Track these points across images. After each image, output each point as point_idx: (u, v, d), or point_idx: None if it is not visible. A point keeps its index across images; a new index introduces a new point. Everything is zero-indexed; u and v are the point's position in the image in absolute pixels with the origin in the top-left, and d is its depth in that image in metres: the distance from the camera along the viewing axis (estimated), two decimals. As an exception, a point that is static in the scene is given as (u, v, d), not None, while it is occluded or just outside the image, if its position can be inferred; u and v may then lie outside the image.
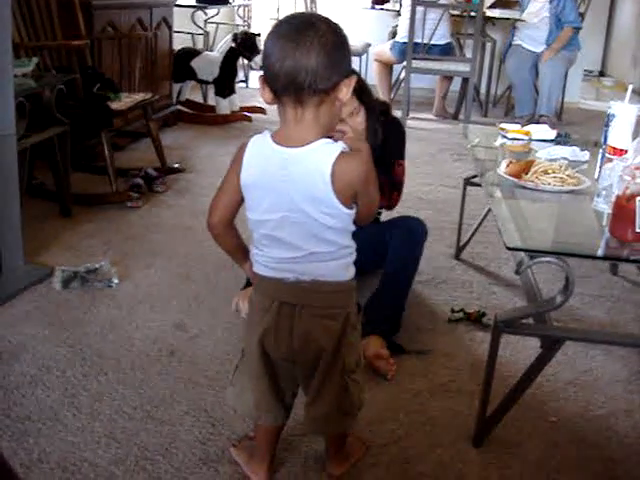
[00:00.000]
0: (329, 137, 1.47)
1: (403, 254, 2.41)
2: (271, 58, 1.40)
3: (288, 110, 1.43)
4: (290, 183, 1.44)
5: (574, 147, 2.54)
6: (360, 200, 1.49)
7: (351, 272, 1.57)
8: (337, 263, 1.53)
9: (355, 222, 1.51)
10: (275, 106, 1.47)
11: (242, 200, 1.54)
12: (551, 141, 2.76)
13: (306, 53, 1.37)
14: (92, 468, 1.73)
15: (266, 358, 1.59)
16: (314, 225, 1.46)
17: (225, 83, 5.41)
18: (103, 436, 1.85)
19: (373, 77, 6.02)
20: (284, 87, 1.40)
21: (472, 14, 5.61)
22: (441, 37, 5.70)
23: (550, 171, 2.22)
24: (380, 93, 6.06)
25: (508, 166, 2.28)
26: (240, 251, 1.65)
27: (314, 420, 1.65)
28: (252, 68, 6.20)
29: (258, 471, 1.72)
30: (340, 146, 1.44)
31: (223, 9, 6.52)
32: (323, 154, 1.43)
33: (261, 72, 1.45)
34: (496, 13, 6.10)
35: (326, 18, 1.43)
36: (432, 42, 5.61)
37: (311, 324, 1.53)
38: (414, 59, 5.60)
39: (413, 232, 2.47)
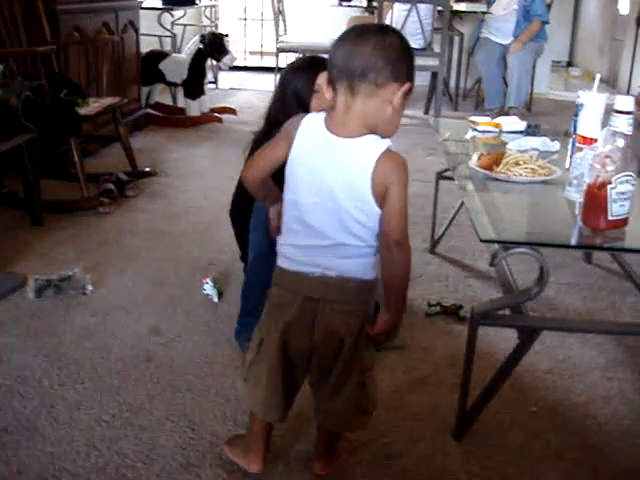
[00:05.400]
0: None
1: None
2: (334, 50, 1.48)
3: (340, 97, 1.47)
4: (332, 170, 1.47)
5: (544, 137, 2.56)
6: (386, 203, 1.46)
7: (375, 272, 1.56)
8: (362, 261, 1.53)
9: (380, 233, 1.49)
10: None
11: (275, 169, 1.57)
12: (521, 132, 2.78)
13: (363, 44, 1.43)
14: (72, 478, 1.71)
15: (285, 354, 1.58)
16: (344, 217, 1.47)
17: (194, 85, 5.39)
18: (82, 445, 1.83)
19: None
20: (339, 71, 1.45)
21: (439, 9, 5.63)
22: (418, 40, 5.68)
23: (521, 162, 2.23)
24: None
25: (479, 159, 2.28)
26: (273, 192, 1.66)
27: (330, 415, 1.65)
28: (221, 69, 6.16)
29: (255, 460, 1.73)
30: (387, 143, 1.47)
31: (190, 10, 6.49)
32: (369, 148, 1.45)
33: None
34: (462, 7, 6.13)
35: (396, 31, 1.51)
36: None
37: (333, 319, 1.53)
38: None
39: None
